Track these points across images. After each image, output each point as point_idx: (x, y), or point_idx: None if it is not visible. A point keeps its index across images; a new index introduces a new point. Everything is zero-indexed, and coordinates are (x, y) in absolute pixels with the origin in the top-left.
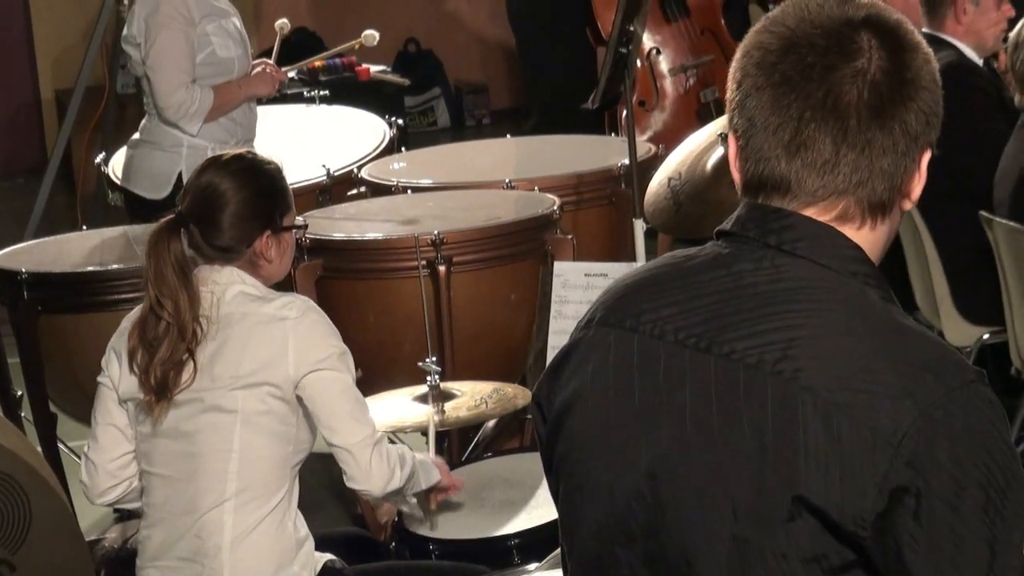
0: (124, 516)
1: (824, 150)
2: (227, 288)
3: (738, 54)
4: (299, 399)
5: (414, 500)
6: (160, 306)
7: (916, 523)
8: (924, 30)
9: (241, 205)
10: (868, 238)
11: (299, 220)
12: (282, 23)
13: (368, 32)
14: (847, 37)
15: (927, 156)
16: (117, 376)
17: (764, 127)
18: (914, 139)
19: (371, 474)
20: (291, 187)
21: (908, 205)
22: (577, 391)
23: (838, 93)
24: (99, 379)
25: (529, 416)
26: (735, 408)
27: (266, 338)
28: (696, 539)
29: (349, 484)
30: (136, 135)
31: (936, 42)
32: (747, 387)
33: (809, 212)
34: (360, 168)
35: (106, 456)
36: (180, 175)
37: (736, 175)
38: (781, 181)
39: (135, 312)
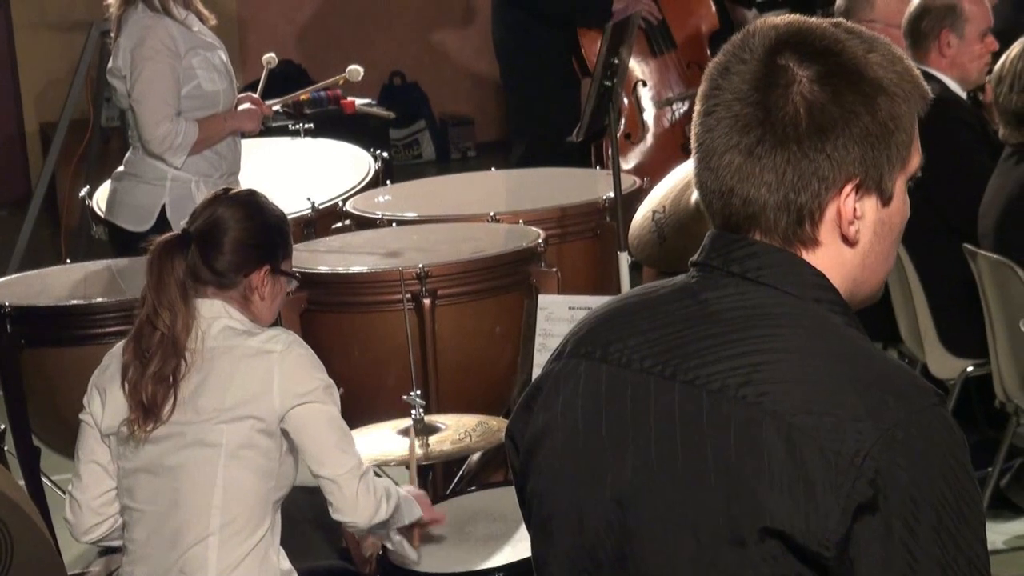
0: (108, 550)
1: (756, 184)
2: (213, 322)
3: (700, 91)
4: (284, 433)
5: (397, 537)
6: (156, 315)
7: (874, 541)
8: None
9: (246, 232)
10: (824, 261)
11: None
12: (269, 57)
13: (353, 67)
14: (773, 72)
15: (852, 184)
16: (99, 412)
17: (708, 165)
18: (837, 165)
19: (357, 505)
20: None
21: (852, 229)
22: (548, 423)
23: (775, 121)
24: (81, 416)
25: None
26: (698, 433)
27: (251, 372)
28: (661, 565)
29: (335, 516)
30: (120, 168)
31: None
32: (710, 412)
33: (764, 239)
34: (345, 201)
35: (90, 494)
36: (164, 208)
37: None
38: (731, 214)
39: (118, 347)
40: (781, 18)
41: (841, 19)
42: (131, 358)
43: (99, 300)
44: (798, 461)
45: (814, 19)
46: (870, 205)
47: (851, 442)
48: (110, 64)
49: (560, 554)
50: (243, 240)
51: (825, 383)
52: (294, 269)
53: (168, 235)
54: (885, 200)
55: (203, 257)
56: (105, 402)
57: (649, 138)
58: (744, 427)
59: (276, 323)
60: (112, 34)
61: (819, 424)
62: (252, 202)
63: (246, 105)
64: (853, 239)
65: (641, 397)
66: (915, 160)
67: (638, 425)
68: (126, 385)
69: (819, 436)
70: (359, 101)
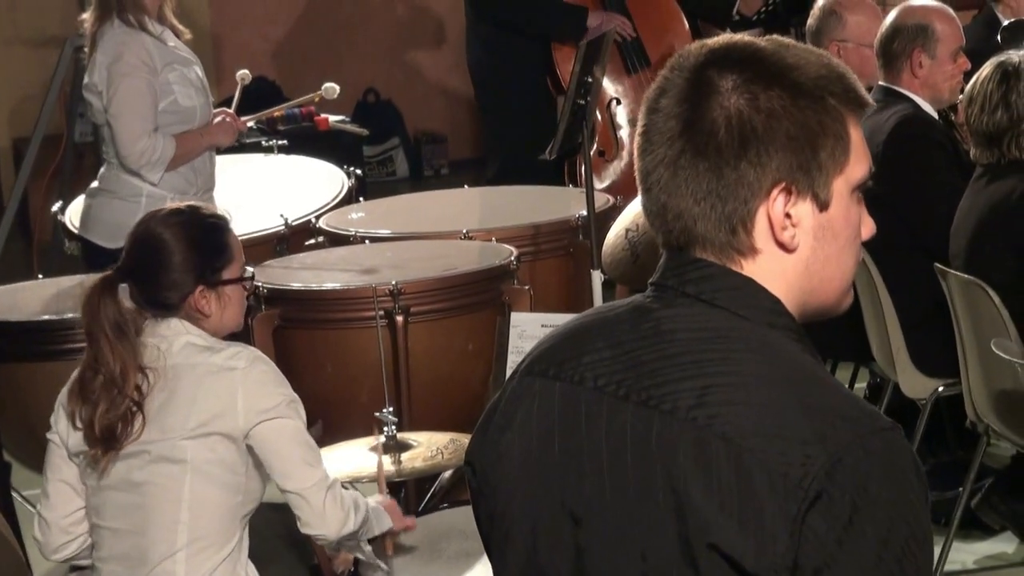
0: (78, 567)
1: (683, 196)
2: (174, 340)
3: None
4: (249, 448)
5: (368, 548)
6: (96, 361)
7: (819, 567)
8: (880, 83)
9: (172, 260)
10: (766, 269)
11: (248, 271)
12: (243, 73)
13: (328, 85)
14: (697, 84)
15: (778, 189)
16: (65, 432)
17: (645, 186)
18: (758, 172)
19: (326, 518)
20: (248, 236)
21: (787, 235)
22: (506, 443)
23: (698, 143)
24: (48, 435)
25: None
26: (648, 454)
27: (215, 388)
28: None
29: (304, 530)
30: (94, 184)
31: (892, 95)
32: (660, 433)
33: (710, 257)
34: (318, 218)
35: (58, 513)
36: None
37: None
38: (670, 232)
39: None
40: (714, 38)
41: (776, 36)
42: (76, 400)
43: (71, 316)
44: (746, 484)
45: (747, 36)
46: (805, 210)
47: (799, 465)
48: (86, 80)
49: (514, 572)
50: (171, 268)
51: (776, 407)
52: (267, 285)
53: (94, 281)
54: (821, 205)
55: (140, 293)
56: (71, 423)
57: (623, 156)
58: (694, 449)
59: (249, 339)
60: (87, 49)
61: (768, 447)
62: (177, 224)
63: (220, 119)
64: (790, 245)
65: (594, 416)
66: (858, 167)
67: (591, 443)
68: (79, 423)
69: (768, 459)
70: (333, 118)
